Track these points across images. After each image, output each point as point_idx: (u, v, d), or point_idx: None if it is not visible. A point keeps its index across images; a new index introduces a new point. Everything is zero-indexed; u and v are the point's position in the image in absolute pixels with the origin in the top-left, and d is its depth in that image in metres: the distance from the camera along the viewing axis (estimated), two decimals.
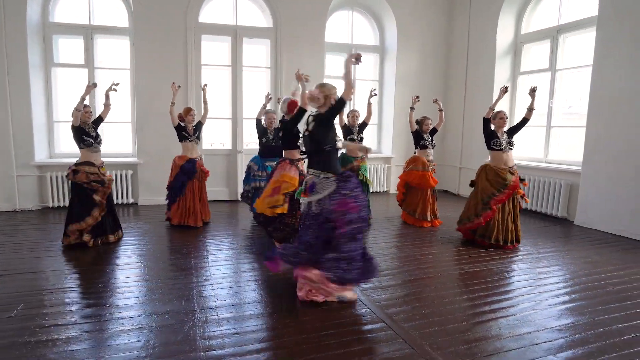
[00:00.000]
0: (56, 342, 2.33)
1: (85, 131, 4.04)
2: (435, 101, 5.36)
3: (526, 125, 4.42)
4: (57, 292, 3.02)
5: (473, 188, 4.53)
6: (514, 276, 3.51)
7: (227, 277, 3.35)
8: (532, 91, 4.36)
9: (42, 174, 5.64)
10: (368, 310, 2.79)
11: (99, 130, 4.30)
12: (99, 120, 4.29)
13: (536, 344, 2.37)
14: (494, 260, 3.90)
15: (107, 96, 4.33)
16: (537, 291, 3.16)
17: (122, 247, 4.12)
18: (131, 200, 6.08)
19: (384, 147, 7.72)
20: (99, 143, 4.16)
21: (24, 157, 5.47)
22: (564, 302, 2.96)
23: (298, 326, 2.55)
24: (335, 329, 2.51)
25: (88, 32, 5.79)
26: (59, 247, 4.03)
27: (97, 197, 4.02)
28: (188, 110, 4.95)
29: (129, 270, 3.52)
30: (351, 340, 2.40)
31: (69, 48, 5.93)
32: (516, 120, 6.62)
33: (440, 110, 5.33)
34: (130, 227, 4.85)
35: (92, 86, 4.06)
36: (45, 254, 3.85)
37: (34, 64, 5.47)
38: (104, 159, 5.92)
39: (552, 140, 6.13)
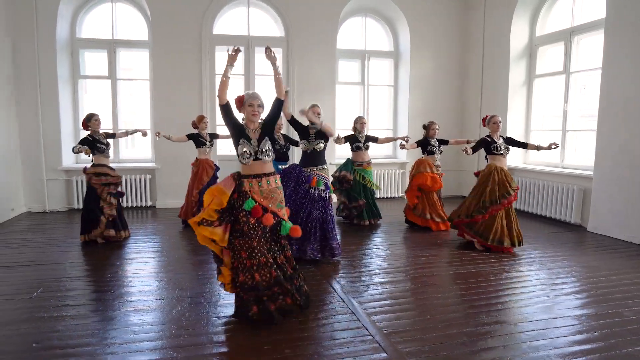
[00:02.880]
0: (65, 317, 2.82)
1: (97, 139, 4.63)
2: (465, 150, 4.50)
3: (521, 148, 4.86)
4: (72, 280, 3.55)
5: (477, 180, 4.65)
6: (507, 278, 3.66)
7: None
8: (551, 147, 4.54)
9: (68, 178, 6.35)
10: (347, 308, 3.09)
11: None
12: (112, 135, 4.94)
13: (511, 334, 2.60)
14: (493, 262, 4.06)
15: (132, 132, 5.19)
16: (517, 292, 3.35)
17: (136, 244, 4.64)
18: (149, 203, 6.68)
19: (398, 152, 7.94)
20: (109, 149, 4.78)
21: (52, 162, 6.21)
22: (540, 303, 3.13)
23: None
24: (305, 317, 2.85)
25: (111, 46, 6.51)
26: (79, 244, 4.61)
27: (105, 203, 4.57)
28: (201, 118, 5.46)
29: (140, 263, 4.03)
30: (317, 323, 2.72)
31: (94, 61, 6.68)
32: (534, 124, 6.74)
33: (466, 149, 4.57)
34: (147, 227, 5.45)
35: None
36: (66, 249, 4.43)
37: (63, 76, 6.22)
38: (126, 164, 6.65)
39: (568, 144, 6.15)
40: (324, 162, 4.13)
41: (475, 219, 4.44)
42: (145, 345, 2.49)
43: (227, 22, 6.94)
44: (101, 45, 6.51)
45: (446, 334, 2.65)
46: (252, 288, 2.71)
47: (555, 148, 4.52)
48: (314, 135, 4.03)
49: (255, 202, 2.75)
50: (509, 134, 6.54)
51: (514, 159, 6.85)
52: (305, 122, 4.13)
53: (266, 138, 2.83)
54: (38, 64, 5.96)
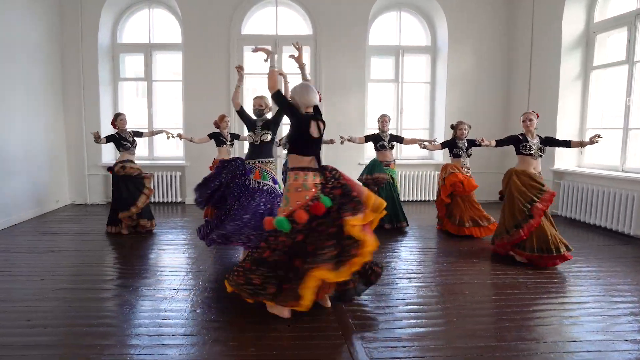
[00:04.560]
0: (65, 299, 3.07)
1: (123, 137, 4.98)
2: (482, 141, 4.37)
3: (564, 147, 4.30)
4: (85, 267, 3.86)
5: (503, 200, 4.27)
6: (539, 293, 3.30)
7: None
8: (594, 139, 4.06)
9: (107, 174, 6.85)
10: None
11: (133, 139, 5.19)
12: (139, 134, 5.23)
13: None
14: (520, 274, 3.70)
15: (157, 133, 5.51)
16: (549, 309, 3.00)
17: (157, 237, 4.89)
18: (179, 200, 7.04)
19: (435, 152, 7.57)
20: (135, 147, 5.09)
21: (93, 158, 6.79)
22: (564, 325, 2.77)
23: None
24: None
25: (147, 50, 6.98)
26: (105, 234, 4.97)
27: (148, 185, 4.96)
28: (222, 117, 5.64)
29: (154, 255, 4.27)
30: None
31: (132, 64, 7.21)
32: (590, 122, 6.04)
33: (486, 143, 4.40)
34: (170, 222, 5.74)
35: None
36: (92, 238, 4.81)
37: (104, 79, 6.80)
38: (158, 162, 7.06)
39: (631, 144, 5.43)
40: (271, 156, 4.01)
41: (516, 237, 3.94)
42: (108, 330, 2.62)
43: (255, 22, 7.12)
44: (139, 49, 7.02)
45: (430, 346, 2.44)
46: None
47: (597, 141, 4.02)
48: (261, 126, 3.91)
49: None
50: (559, 134, 5.95)
51: (567, 161, 6.21)
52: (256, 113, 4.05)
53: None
54: (82, 68, 6.58)
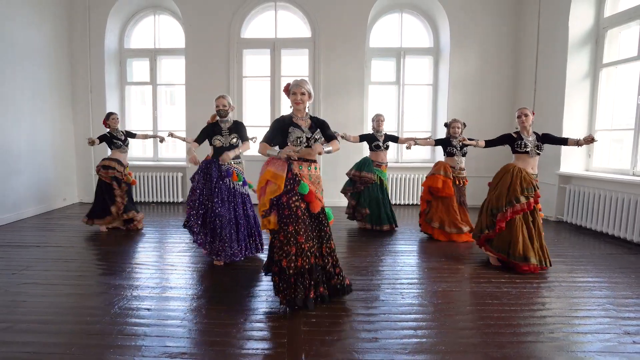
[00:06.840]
0: (24, 294, 2.97)
1: (114, 136, 4.94)
2: (463, 140, 4.26)
3: (562, 145, 3.92)
4: (62, 262, 3.77)
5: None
6: (525, 304, 2.95)
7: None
8: (590, 140, 3.67)
9: None
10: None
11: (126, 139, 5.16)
12: (132, 135, 5.16)
13: None
14: (505, 283, 3.33)
15: (150, 137, 5.43)
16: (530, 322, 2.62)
17: (146, 236, 4.81)
18: (180, 199, 6.98)
19: (438, 156, 7.17)
20: (127, 146, 5.02)
21: (100, 158, 6.78)
22: (543, 338, 2.40)
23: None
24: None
25: (153, 55, 6.99)
26: (97, 231, 4.95)
27: (117, 193, 4.86)
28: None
29: (138, 254, 4.14)
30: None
31: (138, 68, 7.24)
32: (599, 123, 5.51)
33: (472, 142, 4.14)
34: (167, 221, 5.65)
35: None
36: (82, 235, 4.76)
37: (111, 83, 6.86)
38: (161, 163, 7.03)
39: None
40: (239, 156, 3.94)
41: (489, 234, 3.74)
42: (50, 327, 2.48)
43: (255, 26, 7.00)
44: (144, 54, 7.04)
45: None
46: (297, 274, 2.66)
47: (590, 142, 3.63)
48: (227, 129, 3.84)
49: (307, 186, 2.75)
50: (566, 135, 5.45)
51: (574, 165, 5.69)
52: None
53: (318, 130, 2.88)
54: (90, 72, 6.66)
